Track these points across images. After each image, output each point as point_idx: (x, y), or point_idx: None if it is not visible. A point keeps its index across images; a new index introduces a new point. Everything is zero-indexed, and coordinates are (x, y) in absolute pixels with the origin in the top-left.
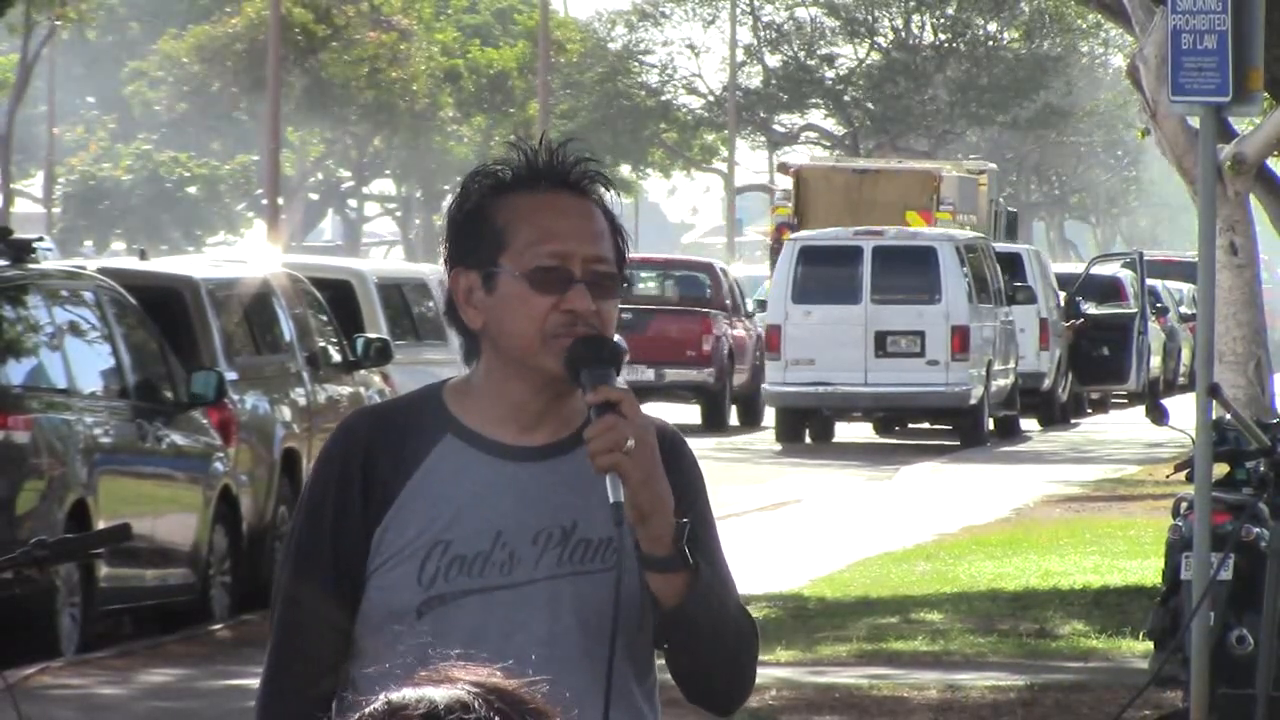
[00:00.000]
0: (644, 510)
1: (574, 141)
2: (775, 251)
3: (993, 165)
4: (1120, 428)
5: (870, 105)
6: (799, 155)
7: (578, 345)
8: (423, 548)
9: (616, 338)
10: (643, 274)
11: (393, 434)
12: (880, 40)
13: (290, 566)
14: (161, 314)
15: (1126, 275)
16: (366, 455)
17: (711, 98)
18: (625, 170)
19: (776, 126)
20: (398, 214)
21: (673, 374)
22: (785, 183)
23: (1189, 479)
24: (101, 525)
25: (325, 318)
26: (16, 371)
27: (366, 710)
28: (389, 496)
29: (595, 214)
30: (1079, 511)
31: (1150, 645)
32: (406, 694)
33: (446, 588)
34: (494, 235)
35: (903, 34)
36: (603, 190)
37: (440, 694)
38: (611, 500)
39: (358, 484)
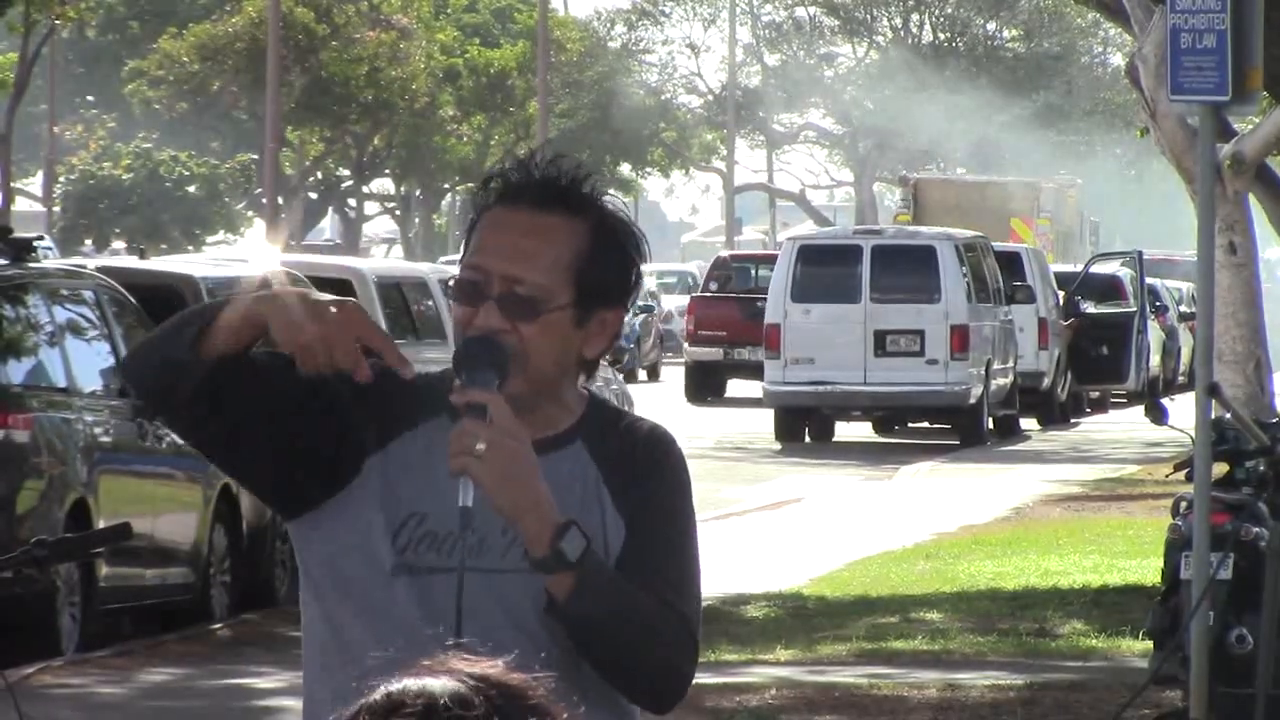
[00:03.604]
0: (504, 513)
1: (564, 157)
2: None
3: (1079, 180)
4: (1119, 427)
5: (869, 104)
6: (797, 160)
7: (460, 348)
8: (400, 513)
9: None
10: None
11: (395, 396)
12: (879, 39)
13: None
14: (161, 313)
15: (1126, 274)
16: (363, 395)
17: (711, 97)
18: (625, 169)
19: (776, 126)
20: (397, 213)
21: None
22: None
23: (1188, 478)
24: (101, 524)
25: None
26: (16, 370)
27: (365, 702)
28: (375, 442)
29: (545, 233)
30: (1078, 511)
31: (1150, 644)
32: (406, 686)
33: (416, 560)
34: (469, 242)
35: (902, 33)
36: (599, 207)
37: (440, 686)
38: (460, 504)
39: (354, 408)
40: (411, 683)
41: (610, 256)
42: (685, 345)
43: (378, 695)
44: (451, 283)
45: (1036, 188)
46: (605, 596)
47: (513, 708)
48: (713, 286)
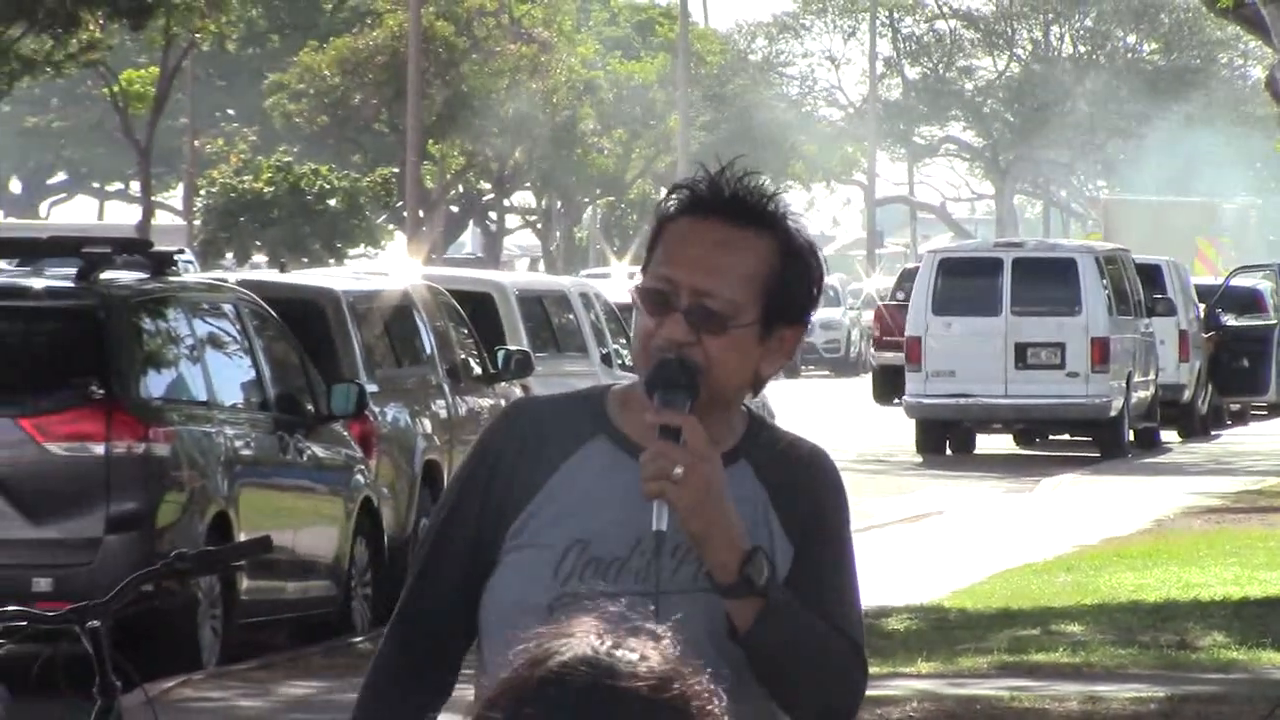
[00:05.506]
0: (695, 538)
1: (754, 174)
2: None
3: (1259, 200)
4: (1260, 439)
5: (1009, 117)
6: (937, 173)
7: (656, 368)
8: (561, 544)
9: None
10: None
11: (547, 427)
12: (1019, 52)
13: (428, 543)
14: (302, 326)
15: (1266, 287)
16: (521, 444)
17: (851, 110)
18: (764, 183)
19: (916, 139)
20: (538, 226)
21: None
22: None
23: None
24: (243, 538)
25: (466, 330)
26: (158, 384)
27: (515, 667)
28: (533, 487)
29: (736, 247)
30: (1219, 523)
31: None
32: (548, 645)
33: (581, 587)
34: (652, 251)
35: (1041, 46)
36: (786, 226)
37: (575, 647)
38: (654, 528)
39: (503, 472)
40: (554, 641)
41: (796, 275)
42: (872, 350)
43: (526, 652)
44: (635, 292)
45: (1218, 208)
46: (786, 623)
47: (610, 688)
48: (899, 296)
